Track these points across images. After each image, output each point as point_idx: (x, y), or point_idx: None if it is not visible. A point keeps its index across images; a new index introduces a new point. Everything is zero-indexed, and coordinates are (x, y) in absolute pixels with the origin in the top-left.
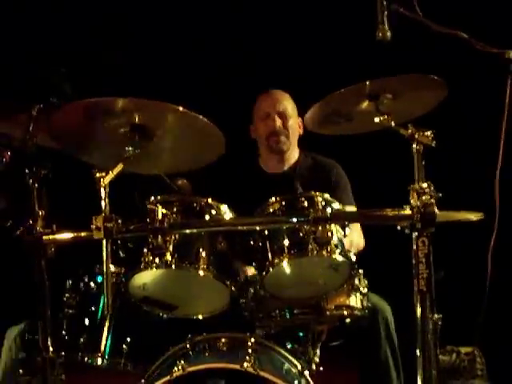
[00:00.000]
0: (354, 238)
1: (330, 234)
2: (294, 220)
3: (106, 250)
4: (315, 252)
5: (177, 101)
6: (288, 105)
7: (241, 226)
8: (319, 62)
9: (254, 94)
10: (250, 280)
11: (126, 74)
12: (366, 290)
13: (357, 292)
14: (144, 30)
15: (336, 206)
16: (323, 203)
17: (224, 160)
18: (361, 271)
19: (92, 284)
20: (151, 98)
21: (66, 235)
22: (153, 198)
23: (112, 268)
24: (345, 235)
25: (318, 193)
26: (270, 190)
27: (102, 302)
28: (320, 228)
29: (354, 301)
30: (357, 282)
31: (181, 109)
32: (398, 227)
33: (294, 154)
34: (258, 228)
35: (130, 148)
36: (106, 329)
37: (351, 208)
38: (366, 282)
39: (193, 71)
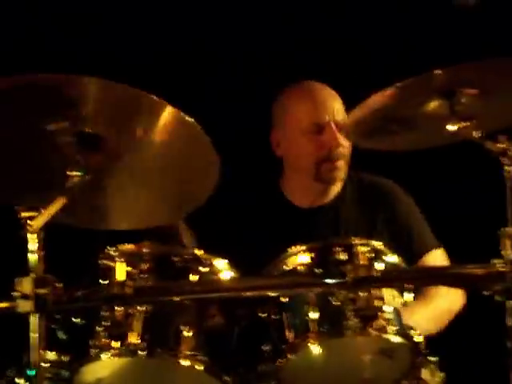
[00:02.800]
0: (441, 299)
1: (379, 302)
2: (326, 282)
3: (39, 331)
4: (357, 330)
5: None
6: (343, 111)
7: (245, 292)
8: (359, 42)
9: (258, 86)
10: (261, 372)
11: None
12: None
13: None
14: None
15: (392, 258)
16: (370, 255)
17: (223, 189)
18: (433, 359)
19: (20, 381)
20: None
21: None
22: (110, 247)
23: (49, 356)
24: (405, 303)
25: (361, 239)
26: (299, 235)
27: None
28: (364, 294)
29: None
30: (425, 374)
31: (155, 98)
32: (485, 292)
33: (341, 180)
34: (271, 294)
35: (77, 171)
36: None
37: (434, 255)
38: (442, 375)
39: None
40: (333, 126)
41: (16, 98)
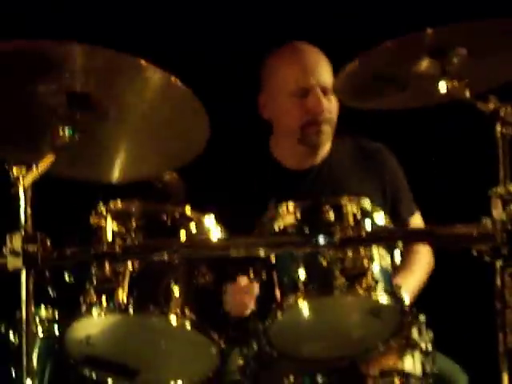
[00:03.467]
0: (421, 267)
1: (367, 261)
2: (314, 242)
3: (27, 287)
4: (345, 289)
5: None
6: (330, 73)
7: (235, 251)
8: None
9: (244, 45)
10: (251, 330)
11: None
12: (429, 348)
13: (415, 350)
14: None
15: (379, 217)
16: (359, 214)
17: (217, 150)
18: (422, 318)
19: (11, 337)
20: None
21: None
22: (100, 205)
23: (41, 312)
24: (393, 262)
25: (349, 197)
26: (287, 195)
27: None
28: (351, 254)
29: (411, 364)
30: (415, 335)
31: (143, 63)
32: (474, 252)
33: (329, 142)
34: (260, 253)
35: (66, 130)
36: None
37: (416, 218)
38: (431, 335)
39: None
40: (318, 90)
41: (5, 62)
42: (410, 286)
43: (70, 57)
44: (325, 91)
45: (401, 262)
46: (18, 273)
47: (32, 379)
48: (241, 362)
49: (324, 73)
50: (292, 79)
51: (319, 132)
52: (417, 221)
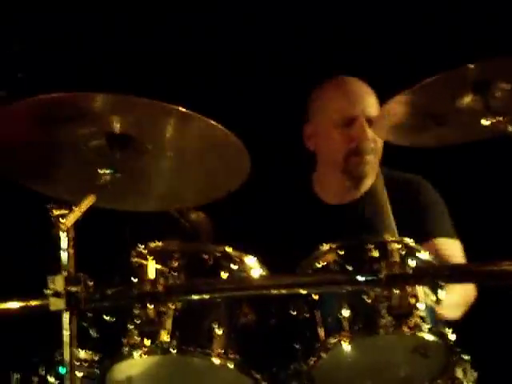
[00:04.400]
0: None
1: (413, 300)
2: (358, 280)
3: (71, 328)
4: (391, 328)
5: (178, 100)
6: (376, 105)
7: (276, 290)
8: (394, 38)
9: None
10: (293, 371)
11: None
12: None
13: None
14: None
15: (424, 255)
16: (403, 252)
17: (254, 186)
18: (466, 358)
19: (51, 379)
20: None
21: (10, 305)
22: (141, 245)
23: (81, 354)
24: (438, 301)
25: (393, 237)
26: (329, 232)
27: None
28: (397, 292)
29: None
30: (459, 374)
31: (183, 110)
32: None
33: (373, 175)
34: (302, 292)
35: (107, 170)
36: None
37: (455, 244)
38: (475, 375)
39: (197, 55)
40: (362, 119)
41: (47, 111)
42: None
43: (103, 105)
44: (370, 122)
45: None
46: (57, 314)
47: None
48: None
49: (369, 104)
50: (337, 109)
51: (363, 162)
52: (451, 246)
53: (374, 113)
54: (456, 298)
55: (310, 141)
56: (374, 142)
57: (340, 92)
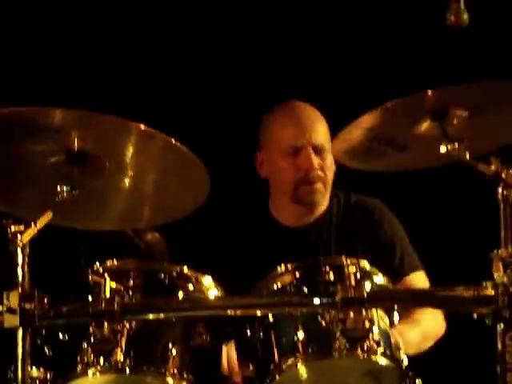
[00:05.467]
0: (427, 322)
1: (368, 323)
2: (314, 302)
3: (24, 346)
4: (344, 352)
5: (138, 118)
6: (325, 133)
7: (232, 310)
8: (350, 61)
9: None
10: None
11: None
12: None
13: None
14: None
15: (379, 279)
16: (358, 275)
17: (212, 207)
18: (418, 381)
19: None
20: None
21: None
22: (98, 263)
23: (34, 372)
24: (392, 324)
25: (349, 258)
26: (286, 254)
27: None
28: (352, 315)
29: None
30: None
31: (144, 127)
32: (475, 315)
33: (325, 200)
34: (258, 313)
35: (64, 187)
36: None
37: (419, 275)
38: None
39: (160, 75)
40: (309, 148)
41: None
42: (412, 335)
43: (63, 121)
44: (317, 150)
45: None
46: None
47: None
48: None
49: (317, 132)
50: (285, 138)
51: (312, 190)
52: (420, 278)
53: (322, 140)
54: (425, 332)
55: (262, 168)
56: (322, 170)
57: (288, 120)
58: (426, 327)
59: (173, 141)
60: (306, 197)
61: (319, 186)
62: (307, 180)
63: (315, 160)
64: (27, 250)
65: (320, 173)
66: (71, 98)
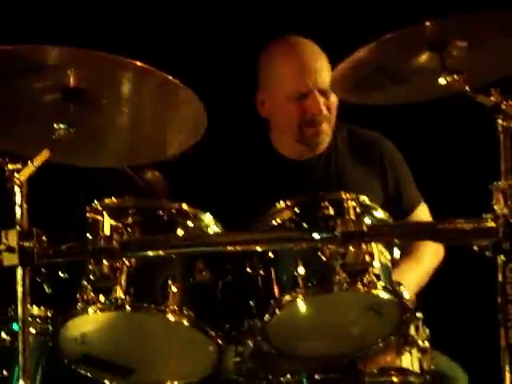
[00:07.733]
0: (428, 258)
1: (368, 258)
2: (314, 237)
3: (24, 284)
4: (345, 286)
5: (135, 55)
6: (329, 71)
7: (232, 246)
8: None
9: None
10: (248, 328)
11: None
12: (427, 345)
13: (412, 347)
14: None
15: (379, 213)
16: (358, 209)
17: (212, 142)
18: (419, 315)
19: (3, 335)
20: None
21: None
22: (97, 201)
23: (34, 310)
24: (392, 259)
25: (349, 193)
26: (289, 189)
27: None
28: (352, 249)
29: (409, 361)
30: (412, 332)
31: (139, 64)
32: (475, 247)
33: (328, 139)
34: (258, 249)
35: (61, 125)
36: None
37: (422, 209)
38: (428, 332)
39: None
40: (316, 93)
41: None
42: (415, 276)
43: (61, 58)
44: (322, 92)
45: (408, 249)
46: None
47: (27, 379)
48: (237, 359)
49: (322, 73)
50: (289, 82)
51: (318, 132)
52: (423, 212)
53: (327, 82)
54: (427, 271)
55: (263, 109)
56: (328, 109)
57: (290, 61)
58: (428, 264)
59: (169, 77)
60: (311, 138)
61: (325, 126)
62: (313, 122)
63: (322, 102)
64: (25, 189)
65: (326, 113)
66: (67, 37)
